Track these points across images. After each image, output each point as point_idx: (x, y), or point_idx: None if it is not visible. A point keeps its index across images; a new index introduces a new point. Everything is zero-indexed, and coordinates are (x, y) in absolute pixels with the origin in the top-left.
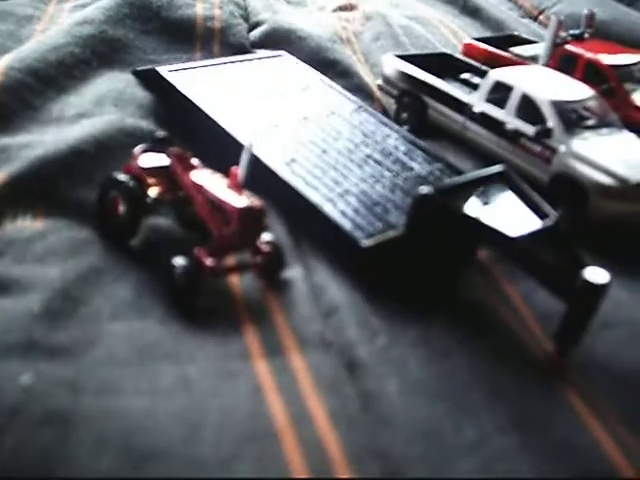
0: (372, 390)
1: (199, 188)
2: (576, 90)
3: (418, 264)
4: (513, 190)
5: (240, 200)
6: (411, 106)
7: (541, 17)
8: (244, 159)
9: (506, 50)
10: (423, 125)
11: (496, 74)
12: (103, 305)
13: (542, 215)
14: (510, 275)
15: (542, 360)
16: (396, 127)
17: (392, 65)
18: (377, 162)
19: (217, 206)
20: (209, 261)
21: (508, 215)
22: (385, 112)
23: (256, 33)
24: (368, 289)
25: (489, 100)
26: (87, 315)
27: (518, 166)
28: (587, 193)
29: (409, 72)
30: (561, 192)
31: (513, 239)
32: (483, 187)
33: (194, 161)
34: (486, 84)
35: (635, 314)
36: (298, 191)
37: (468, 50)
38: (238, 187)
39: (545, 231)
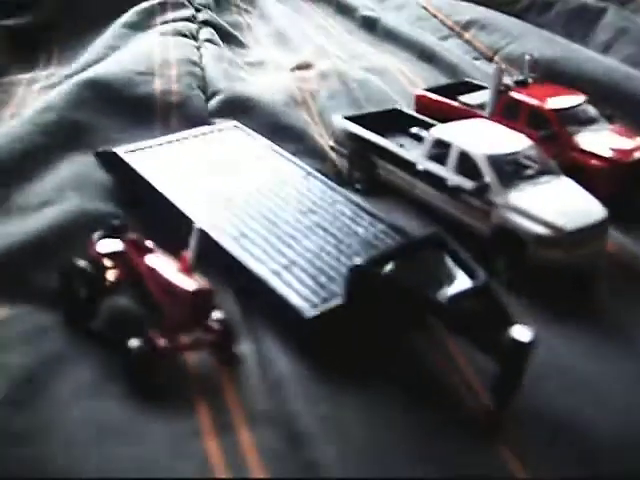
0: (315, 459)
1: (152, 272)
2: (513, 141)
3: (360, 332)
4: (447, 252)
5: (190, 283)
6: (362, 166)
7: (496, 58)
8: (193, 242)
9: (456, 99)
10: (374, 184)
11: (436, 131)
12: (64, 389)
13: (473, 275)
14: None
15: (480, 416)
16: (344, 191)
17: (341, 126)
18: (323, 229)
19: (169, 289)
20: (162, 342)
21: (440, 278)
22: (339, 173)
23: (213, 103)
24: (314, 359)
25: (432, 157)
26: (48, 400)
27: (461, 221)
28: (524, 244)
29: (357, 132)
30: (501, 244)
31: (441, 304)
32: (419, 251)
33: (149, 244)
34: (427, 142)
35: (568, 362)
36: (246, 266)
37: (419, 101)
38: (188, 270)
39: (474, 291)
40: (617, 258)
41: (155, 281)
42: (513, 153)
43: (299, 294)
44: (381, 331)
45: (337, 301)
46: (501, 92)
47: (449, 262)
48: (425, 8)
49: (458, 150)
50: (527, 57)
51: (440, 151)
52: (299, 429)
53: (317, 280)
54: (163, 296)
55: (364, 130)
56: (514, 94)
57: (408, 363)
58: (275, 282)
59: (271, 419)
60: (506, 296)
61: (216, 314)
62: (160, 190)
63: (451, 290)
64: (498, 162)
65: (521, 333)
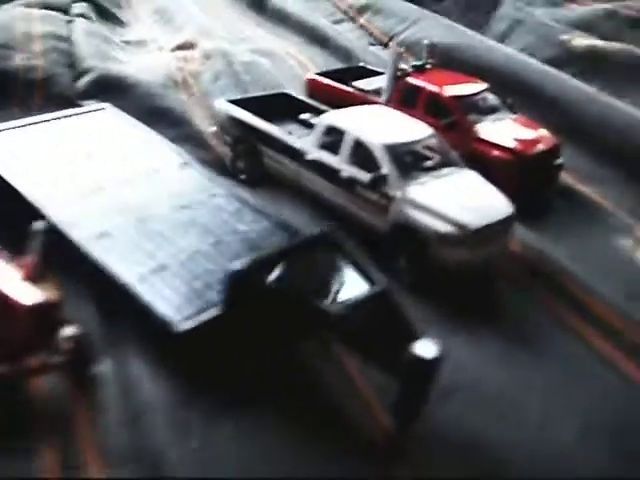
0: None
1: None
2: (413, 130)
3: (241, 346)
4: (341, 254)
5: (30, 295)
6: (246, 154)
7: (392, 43)
8: (35, 243)
9: (350, 84)
10: (260, 174)
11: (328, 118)
12: None
13: (371, 280)
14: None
15: (379, 438)
16: (225, 183)
17: (225, 111)
18: (200, 227)
19: (3, 303)
20: None
21: (333, 283)
22: (221, 161)
23: (83, 82)
24: (185, 380)
25: (323, 146)
26: None
27: (357, 216)
28: (426, 243)
29: (241, 118)
30: (401, 242)
31: (333, 314)
32: (308, 252)
33: None
34: (319, 129)
35: (475, 374)
36: (107, 270)
37: (311, 85)
38: (32, 277)
39: (371, 298)
40: (521, 256)
41: None
42: (413, 142)
43: (170, 303)
44: (266, 345)
45: (214, 311)
46: (398, 78)
47: (343, 265)
48: None
49: (352, 138)
50: (425, 42)
51: (332, 139)
52: (164, 468)
53: (191, 286)
54: None
55: (249, 115)
56: (412, 80)
57: (297, 383)
58: (142, 289)
59: (131, 457)
60: (408, 302)
61: (67, 330)
62: (7, 179)
63: (344, 298)
64: (396, 152)
65: (425, 348)
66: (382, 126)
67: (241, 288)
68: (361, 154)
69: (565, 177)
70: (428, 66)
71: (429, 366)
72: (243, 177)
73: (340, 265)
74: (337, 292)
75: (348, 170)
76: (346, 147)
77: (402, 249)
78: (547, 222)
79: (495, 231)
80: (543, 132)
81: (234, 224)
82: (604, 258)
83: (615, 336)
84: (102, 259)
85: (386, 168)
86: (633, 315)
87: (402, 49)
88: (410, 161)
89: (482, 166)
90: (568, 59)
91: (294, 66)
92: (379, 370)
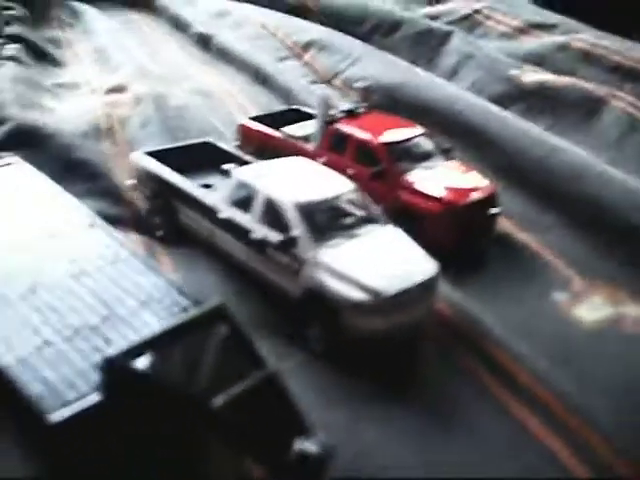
0: None
1: None
2: (330, 186)
3: (123, 438)
4: (230, 332)
5: None
6: (162, 209)
7: (335, 81)
8: None
9: (280, 130)
10: (176, 231)
11: (239, 173)
12: None
13: (258, 363)
14: None
15: None
16: (130, 247)
17: (142, 163)
18: (95, 297)
19: None
20: None
21: (216, 369)
22: (138, 217)
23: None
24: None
25: (235, 203)
26: None
27: (268, 279)
28: (338, 310)
29: (156, 171)
30: (312, 308)
31: (209, 406)
32: (193, 333)
33: None
34: (230, 185)
35: (384, 461)
36: None
37: (243, 131)
38: None
39: (257, 387)
40: (446, 318)
41: None
42: (328, 199)
43: (48, 386)
44: (147, 444)
45: (93, 399)
46: (328, 123)
47: (229, 345)
48: (264, 26)
49: (263, 196)
50: (357, 85)
51: (244, 196)
52: None
53: (75, 367)
54: None
55: (163, 168)
56: (341, 126)
57: None
58: (18, 370)
59: None
60: (318, 375)
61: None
62: None
63: (226, 387)
64: (310, 211)
65: (314, 443)
66: (296, 182)
67: (115, 377)
68: (272, 213)
69: (505, 224)
70: (361, 110)
71: (317, 463)
72: (159, 234)
73: (226, 346)
74: (220, 380)
75: (259, 230)
76: (257, 205)
77: (313, 316)
78: (479, 277)
79: (415, 295)
80: (478, 179)
81: (132, 293)
82: (536, 317)
83: (540, 410)
84: None
85: (297, 229)
86: (556, 385)
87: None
88: (324, 220)
89: (411, 218)
90: (518, 95)
91: (232, 107)
92: (263, 468)
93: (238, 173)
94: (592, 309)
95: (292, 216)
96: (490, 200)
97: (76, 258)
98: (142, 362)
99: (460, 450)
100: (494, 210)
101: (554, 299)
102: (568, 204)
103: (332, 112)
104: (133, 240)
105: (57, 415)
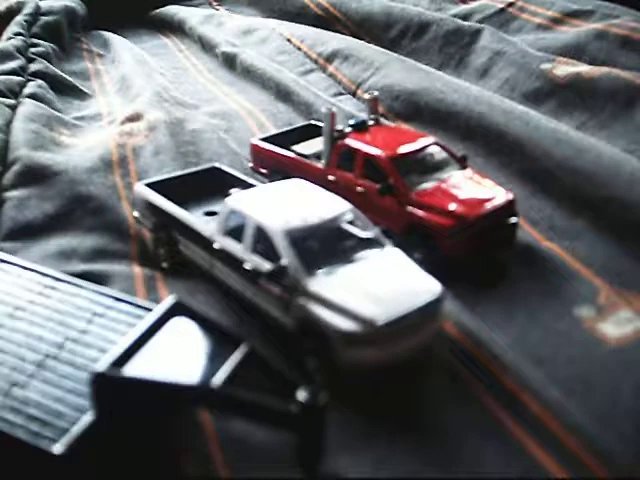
0: None
1: None
2: (325, 208)
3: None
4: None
5: None
6: (165, 241)
7: (359, 92)
8: None
9: (291, 148)
10: (178, 263)
11: (231, 201)
12: None
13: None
14: None
15: None
16: (55, 274)
17: (143, 195)
18: (41, 328)
19: None
20: None
21: (197, 356)
22: (144, 250)
23: (9, 175)
24: None
25: (230, 232)
26: None
27: (263, 311)
28: (330, 342)
29: (156, 202)
30: (306, 340)
31: (209, 389)
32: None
33: None
34: (223, 214)
35: None
36: None
37: (254, 152)
38: None
39: (242, 362)
40: (455, 342)
41: None
42: (322, 224)
43: (37, 423)
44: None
45: (87, 419)
46: (335, 139)
47: (201, 332)
48: (289, 40)
49: (253, 223)
50: (367, 95)
51: (237, 225)
52: None
53: (52, 397)
54: None
55: (162, 199)
56: (348, 141)
57: None
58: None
59: None
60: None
61: None
62: None
63: (213, 370)
64: (300, 237)
65: (310, 394)
66: (288, 207)
67: (108, 389)
68: (263, 241)
69: (529, 233)
70: (370, 122)
71: (318, 409)
72: (165, 265)
73: (198, 333)
74: (206, 364)
75: (251, 259)
76: (248, 234)
77: (308, 349)
78: (495, 293)
79: (415, 321)
80: (494, 188)
81: (73, 317)
82: (553, 337)
83: (554, 446)
84: None
85: (286, 257)
86: (572, 417)
87: (334, 109)
88: (317, 246)
89: (423, 234)
90: (551, 90)
91: (252, 127)
92: (273, 429)
93: (230, 200)
94: (620, 323)
95: (281, 243)
96: (508, 209)
97: (1, 299)
98: (131, 369)
99: None
100: (513, 219)
101: (577, 315)
102: (598, 208)
103: (340, 127)
104: (135, 274)
105: (60, 446)
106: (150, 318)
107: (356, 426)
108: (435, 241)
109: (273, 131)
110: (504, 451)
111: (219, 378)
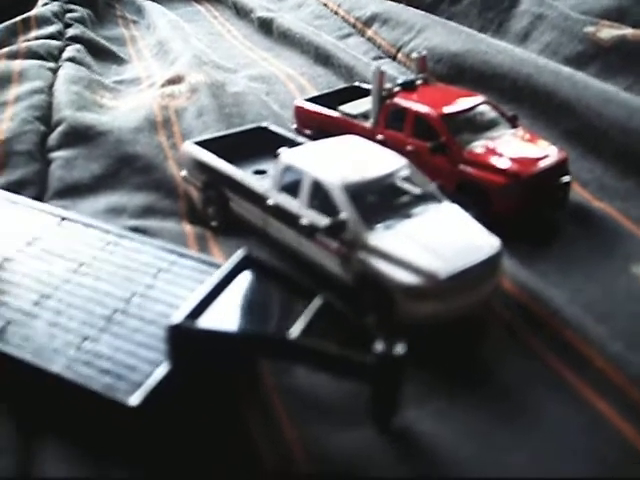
0: None
1: None
2: (381, 164)
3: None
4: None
5: None
6: (215, 199)
7: (399, 56)
8: None
9: (337, 108)
10: (229, 221)
11: (286, 156)
12: None
13: (308, 294)
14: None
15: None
16: (115, 230)
17: (191, 153)
18: (107, 284)
19: None
20: None
21: (274, 308)
22: (192, 209)
23: (54, 135)
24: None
25: (284, 188)
26: None
27: (321, 266)
28: (391, 296)
29: (206, 161)
30: (366, 295)
31: (290, 341)
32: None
33: None
34: (277, 170)
35: (438, 458)
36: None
37: (299, 113)
38: None
39: (319, 314)
40: (513, 299)
41: None
42: (380, 178)
43: (111, 376)
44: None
45: (162, 372)
46: (384, 98)
47: (274, 286)
48: (325, 4)
49: (310, 179)
50: (414, 55)
51: (292, 181)
52: None
53: (123, 351)
54: None
55: (212, 157)
56: (397, 100)
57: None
58: (72, 374)
59: None
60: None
61: None
62: None
63: (287, 322)
64: (359, 192)
65: (387, 346)
66: (345, 162)
67: (185, 342)
68: (320, 196)
69: (580, 193)
70: (419, 82)
71: (396, 360)
72: (214, 224)
73: (269, 286)
74: (280, 317)
75: (307, 215)
76: (305, 189)
77: (368, 304)
78: (550, 252)
79: (475, 275)
80: (547, 147)
81: (139, 272)
82: (612, 294)
83: (617, 398)
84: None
85: (346, 212)
86: (631, 369)
87: (382, 68)
88: (375, 201)
89: (475, 192)
90: (595, 53)
91: (292, 91)
92: (348, 379)
93: (285, 156)
94: None
95: (339, 198)
96: (560, 168)
97: (63, 254)
98: (205, 321)
99: (528, 445)
100: (565, 179)
101: (634, 273)
102: None
103: (388, 86)
104: (186, 231)
105: (136, 398)
106: (221, 271)
107: (417, 380)
108: (488, 199)
109: (315, 94)
110: (567, 403)
111: (296, 330)
